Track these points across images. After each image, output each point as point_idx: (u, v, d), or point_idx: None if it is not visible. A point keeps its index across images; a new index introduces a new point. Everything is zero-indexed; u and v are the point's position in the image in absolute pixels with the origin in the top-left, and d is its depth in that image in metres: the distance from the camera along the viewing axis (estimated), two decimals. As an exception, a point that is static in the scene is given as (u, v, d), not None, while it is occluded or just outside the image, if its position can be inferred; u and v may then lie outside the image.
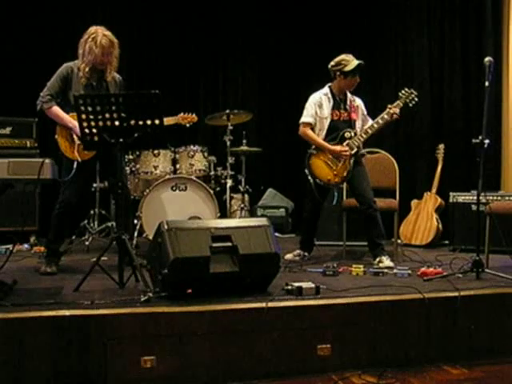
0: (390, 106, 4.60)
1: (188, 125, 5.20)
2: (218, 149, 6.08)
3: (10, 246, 4.86)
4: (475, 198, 4.04)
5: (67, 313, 2.91)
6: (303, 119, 4.69)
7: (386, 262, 4.39)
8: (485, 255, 4.35)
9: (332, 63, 4.64)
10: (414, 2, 6.55)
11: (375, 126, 4.57)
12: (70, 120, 4.00)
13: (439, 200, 5.85)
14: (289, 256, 4.80)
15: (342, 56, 4.61)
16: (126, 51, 4.20)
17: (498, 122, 6.01)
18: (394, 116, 4.56)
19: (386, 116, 4.55)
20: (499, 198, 5.15)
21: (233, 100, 7.09)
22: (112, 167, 3.99)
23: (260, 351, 3.06)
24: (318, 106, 4.66)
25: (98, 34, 4.00)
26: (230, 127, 5.75)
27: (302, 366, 3.11)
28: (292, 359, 3.10)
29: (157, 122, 3.51)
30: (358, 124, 4.72)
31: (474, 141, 3.90)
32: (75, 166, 3.96)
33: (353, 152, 4.57)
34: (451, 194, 5.53)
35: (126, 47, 4.21)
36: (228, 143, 5.73)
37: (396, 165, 5.13)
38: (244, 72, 7.34)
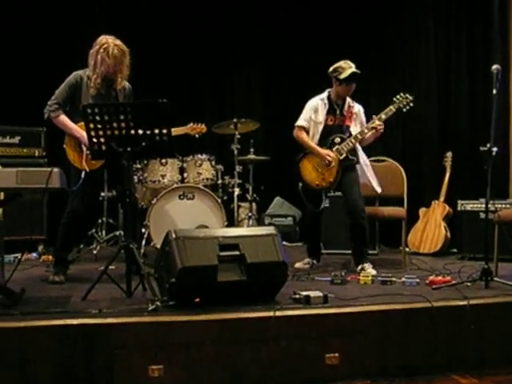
0: (374, 116, 4.57)
1: (197, 135, 5.23)
2: (225, 157, 6.07)
3: (18, 255, 4.87)
4: (484, 206, 4.02)
5: (75, 322, 2.91)
6: (298, 122, 4.78)
7: (369, 269, 4.41)
8: (494, 263, 4.32)
9: (330, 69, 4.66)
10: (420, 9, 6.54)
11: (359, 136, 4.55)
12: (78, 130, 4.01)
13: (447, 208, 5.82)
14: (298, 265, 4.79)
15: (340, 63, 4.62)
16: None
17: (505, 130, 6.00)
18: (378, 129, 4.50)
19: (370, 126, 4.55)
20: (508, 205, 5.12)
21: (240, 108, 7.07)
22: (120, 176, 4.00)
23: (268, 360, 3.05)
24: (313, 111, 4.72)
25: (110, 45, 3.99)
26: (238, 136, 5.76)
27: (310, 375, 3.10)
28: (300, 368, 3.09)
29: (164, 131, 3.51)
30: (355, 130, 4.67)
31: (481, 148, 3.87)
32: (83, 175, 3.96)
33: (341, 157, 4.56)
34: (459, 202, 5.51)
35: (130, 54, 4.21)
36: (235, 152, 5.74)
37: (404, 173, 5.10)
38: (250, 80, 7.32)
